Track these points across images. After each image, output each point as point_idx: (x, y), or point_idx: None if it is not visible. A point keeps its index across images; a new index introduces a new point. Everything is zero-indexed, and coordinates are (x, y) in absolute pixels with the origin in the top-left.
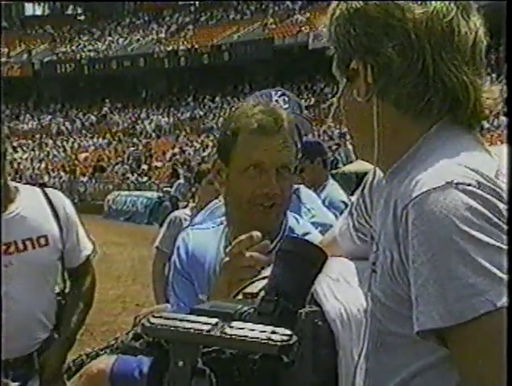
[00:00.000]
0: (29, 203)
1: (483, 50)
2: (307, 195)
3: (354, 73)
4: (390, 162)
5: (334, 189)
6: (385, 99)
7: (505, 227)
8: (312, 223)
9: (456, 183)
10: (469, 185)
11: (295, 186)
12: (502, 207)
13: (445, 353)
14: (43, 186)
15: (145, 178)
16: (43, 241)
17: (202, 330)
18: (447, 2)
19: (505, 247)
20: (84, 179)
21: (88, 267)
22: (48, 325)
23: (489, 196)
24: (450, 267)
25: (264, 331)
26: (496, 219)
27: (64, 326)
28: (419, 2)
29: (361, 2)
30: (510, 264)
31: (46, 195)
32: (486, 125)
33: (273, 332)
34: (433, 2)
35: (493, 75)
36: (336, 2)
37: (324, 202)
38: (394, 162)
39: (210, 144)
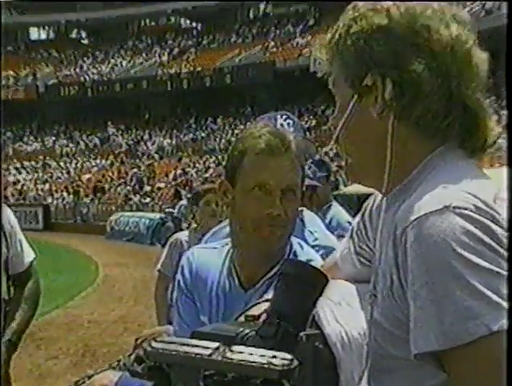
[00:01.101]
0: None
1: (486, 78)
2: (310, 218)
3: (368, 89)
4: (393, 184)
5: (339, 210)
6: (404, 117)
7: (502, 251)
8: (315, 246)
9: (454, 207)
10: (467, 209)
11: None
12: (500, 232)
13: (446, 377)
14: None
15: (147, 199)
16: None
17: (203, 354)
18: (466, 30)
19: (502, 271)
20: (87, 200)
21: (32, 272)
22: None
23: (486, 221)
24: (447, 291)
25: (265, 356)
26: (493, 244)
27: (9, 329)
28: (444, 25)
29: (385, 19)
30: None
31: None
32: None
33: (274, 357)
34: (452, 28)
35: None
36: (351, 18)
37: (330, 222)
38: (396, 186)
39: (212, 165)
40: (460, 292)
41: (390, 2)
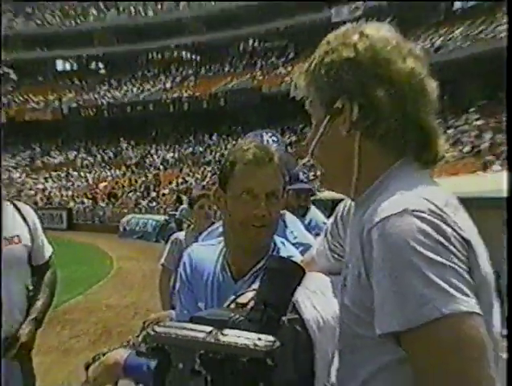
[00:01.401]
0: (3, 212)
1: (437, 103)
2: (291, 220)
3: (337, 112)
4: (360, 192)
5: (316, 212)
6: (369, 135)
7: (452, 248)
8: (295, 244)
9: (412, 210)
10: (422, 212)
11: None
12: (449, 231)
13: (404, 353)
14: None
15: (154, 204)
16: (16, 239)
17: (198, 337)
18: (419, 65)
19: (452, 264)
20: (103, 204)
21: (50, 264)
22: (20, 314)
23: (438, 222)
24: (405, 280)
25: (251, 338)
26: (444, 241)
27: (33, 309)
28: (402, 59)
29: (353, 53)
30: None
31: (16, 207)
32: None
33: (259, 339)
34: (409, 62)
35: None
36: (325, 50)
37: (310, 222)
38: (362, 192)
39: (209, 175)
40: (416, 282)
41: (357, 38)
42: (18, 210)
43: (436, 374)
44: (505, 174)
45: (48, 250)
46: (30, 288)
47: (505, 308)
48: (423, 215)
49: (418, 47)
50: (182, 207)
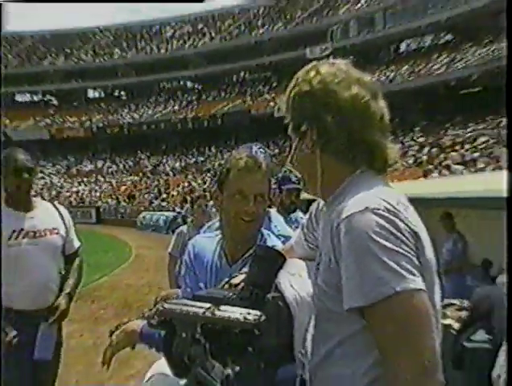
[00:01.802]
0: (45, 209)
1: (387, 121)
2: (275, 216)
3: (303, 134)
4: (328, 194)
5: (298, 211)
6: (325, 151)
7: (403, 238)
8: (279, 235)
9: (371, 208)
10: (379, 209)
11: (268, 209)
12: (401, 224)
13: (365, 324)
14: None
15: (164, 203)
16: (55, 231)
17: (198, 312)
18: (364, 91)
19: (403, 251)
20: (124, 204)
21: (78, 254)
22: (56, 288)
23: (392, 217)
24: (366, 265)
25: (242, 313)
26: (397, 233)
27: (66, 286)
28: (347, 88)
29: (309, 87)
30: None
31: (55, 206)
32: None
33: (248, 313)
34: (354, 88)
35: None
36: (292, 85)
37: (291, 218)
38: (330, 195)
39: (208, 180)
40: (375, 266)
41: (313, 74)
42: (57, 209)
43: (393, 339)
44: (440, 180)
45: (77, 243)
46: (63, 272)
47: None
48: (380, 212)
49: (367, 76)
50: (187, 206)
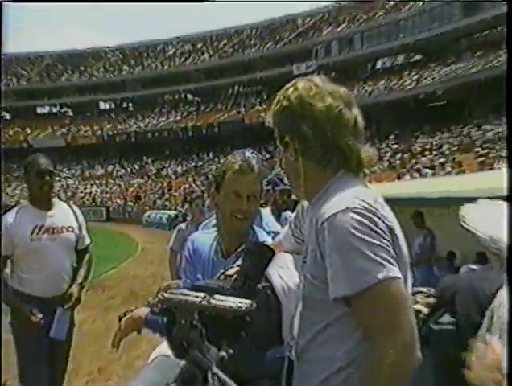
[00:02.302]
0: (62, 209)
1: (361, 127)
2: (265, 215)
3: (287, 144)
4: (312, 196)
5: (287, 211)
6: (306, 158)
7: (381, 232)
8: (269, 232)
9: (352, 208)
10: (358, 208)
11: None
12: (379, 221)
13: (347, 310)
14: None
15: (167, 203)
16: (70, 229)
17: (196, 301)
18: (337, 102)
19: (381, 244)
20: (131, 204)
21: (89, 250)
22: (69, 279)
23: (370, 215)
24: (350, 258)
25: (235, 301)
26: (375, 228)
27: (78, 278)
28: (321, 100)
29: (287, 102)
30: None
31: (71, 207)
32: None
33: (240, 302)
34: (328, 100)
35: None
36: (276, 101)
37: (283, 217)
38: (314, 197)
39: (206, 182)
40: (358, 258)
41: (292, 90)
42: (72, 209)
43: (377, 321)
44: (412, 182)
45: (88, 240)
46: (75, 265)
47: None
48: (359, 210)
49: (341, 88)
50: (187, 205)
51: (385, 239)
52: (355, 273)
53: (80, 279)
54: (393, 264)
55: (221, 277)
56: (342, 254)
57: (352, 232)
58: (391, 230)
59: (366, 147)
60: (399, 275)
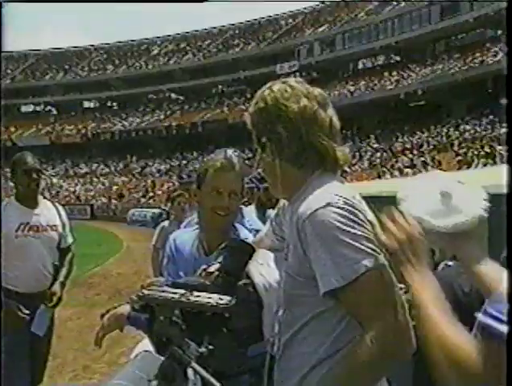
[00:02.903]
0: (47, 207)
1: (337, 127)
2: (247, 212)
3: (264, 145)
4: (290, 195)
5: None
6: (283, 159)
7: (363, 224)
8: (251, 229)
9: (332, 203)
10: (339, 203)
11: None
12: (360, 214)
13: (332, 304)
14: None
15: (151, 201)
16: (54, 228)
17: (175, 297)
18: (312, 103)
19: (363, 234)
20: (116, 201)
21: (71, 249)
22: (50, 276)
23: (351, 208)
24: (337, 251)
25: (213, 298)
26: (357, 220)
27: (59, 276)
28: (295, 101)
29: (263, 104)
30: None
31: (55, 205)
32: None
33: (219, 299)
34: (302, 101)
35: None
36: (253, 103)
37: (268, 215)
38: (292, 195)
39: (179, 181)
40: (345, 250)
41: (267, 92)
42: (56, 208)
43: (370, 308)
44: (391, 181)
45: (70, 239)
46: (56, 263)
47: None
48: (340, 205)
49: (316, 89)
50: (170, 204)
51: (368, 229)
52: (343, 264)
53: (61, 277)
54: (379, 253)
55: (202, 274)
56: (328, 248)
57: (335, 225)
58: (371, 223)
59: (342, 147)
60: (386, 263)
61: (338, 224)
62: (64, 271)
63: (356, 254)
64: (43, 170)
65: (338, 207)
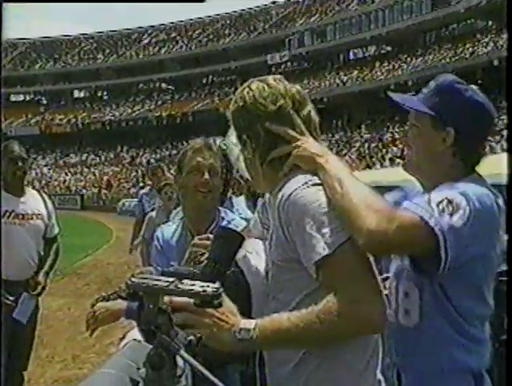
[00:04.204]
0: (33, 196)
1: (316, 121)
2: (237, 202)
3: (244, 142)
4: (271, 188)
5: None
6: (261, 156)
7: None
8: (241, 218)
9: (310, 183)
10: (317, 182)
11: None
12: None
13: (312, 288)
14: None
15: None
16: (39, 216)
17: (163, 285)
18: (289, 102)
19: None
20: (106, 192)
21: (56, 239)
22: (35, 264)
23: (321, 188)
24: (320, 221)
25: (202, 286)
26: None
27: (44, 265)
28: (273, 101)
29: (242, 103)
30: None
31: (41, 195)
32: None
33: (207, 286)
34: (280, 101)
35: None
36: (233, 101)
37: (259, 204)
38: (274, 188)
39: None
40: (328, 220)
41: (246, 91)
42: (42, 197)
43: (349, 274)
44: (381, 170)
45: (56, 229)
46: (42, 253)
47: None
48: (318, 183)
49: (295, 86)
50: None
51: None
52: (329, 233)
53: (46, 267)
54: None
55: (191, 263)
56: (311, 220)
57: (316, 199)
58: None
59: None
60: None
61: (318, 197)
62: (49, 261)
63: (330, 230)
64: (30, 159)
65: (316, 184)
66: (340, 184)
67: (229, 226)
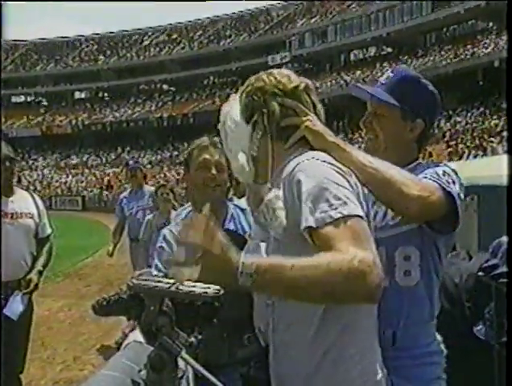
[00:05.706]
0: (22, 196)
1: (321, 111)
2: (239, 202)
3: (255, 122)
4: (278, 163)
5: None
6: (272, 134)
7: (347, 177)
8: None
9: (316, 158)
10: (323, 158)
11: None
12: (344, 168)
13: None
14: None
15: None
16: (29, 215)
17: (164, 287)
18: (302, 84)
19: (347, 187)
20: (107, 192)
21: (49, 239)
22: (28, 265)
23: (334, 162)
24: (319, 195)
25: (203, 288)
26: (342, 173)
27: (37, 265)
28: (289, 81)
29: (262, 83)
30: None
31: (31, 194)
32: None
33: (208, 288)
34: (295, 82)
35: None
36: (246, 84)
37: None
38: (279, 164)
39: (181, 172)
40: (326, 195)
41: (266, 76)
42: (33, 197)
43: (340, 251)
44: None
45: (49, 230)
46: (34, 253)
47: None
48: (325, 158)
49: (306, 79)
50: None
51: (351, 185)
52: (323, 207)
53: (39, 266)
54: (357, 205)
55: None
56: (313, 193)
57: (322, 163)
58: (351, 183)
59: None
60: (363, 215)
61: (325, 164)
62: (41, 260)
63: (336, 201)
64: (17, 158)
65: (323, 160)
66: (368, 160)
67: (238, 227)
